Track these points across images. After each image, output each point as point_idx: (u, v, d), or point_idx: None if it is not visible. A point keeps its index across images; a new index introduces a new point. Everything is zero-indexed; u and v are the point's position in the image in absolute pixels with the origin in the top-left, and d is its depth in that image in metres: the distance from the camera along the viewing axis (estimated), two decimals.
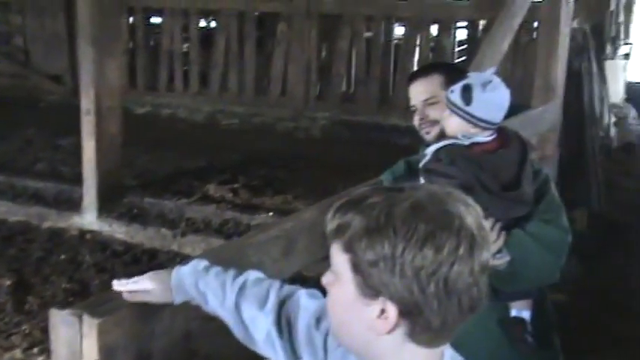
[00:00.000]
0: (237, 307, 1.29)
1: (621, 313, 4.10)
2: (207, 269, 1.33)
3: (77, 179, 5.04)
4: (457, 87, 1.79)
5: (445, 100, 1.83)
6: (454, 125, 1.81)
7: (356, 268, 1.00)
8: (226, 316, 1.31)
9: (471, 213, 1.01)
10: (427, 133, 2.01)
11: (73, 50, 8.16)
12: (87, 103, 4.63)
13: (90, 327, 1.21)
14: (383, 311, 1.00)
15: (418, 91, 2.02)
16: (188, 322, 1.37)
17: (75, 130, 4.99)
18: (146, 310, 1.30)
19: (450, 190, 1.05)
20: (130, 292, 1.32)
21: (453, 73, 2.02)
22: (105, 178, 4.84)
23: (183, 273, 1.32)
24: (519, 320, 1.86)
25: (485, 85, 1.75)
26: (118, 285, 1.34)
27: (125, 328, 1.26)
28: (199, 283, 1.30)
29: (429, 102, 1.99)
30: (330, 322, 1.13)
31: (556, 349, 2.03)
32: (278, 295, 1.30)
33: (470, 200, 1.04)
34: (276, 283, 1.34)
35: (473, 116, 1.76)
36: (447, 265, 0.96)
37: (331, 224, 1.04)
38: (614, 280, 4.59)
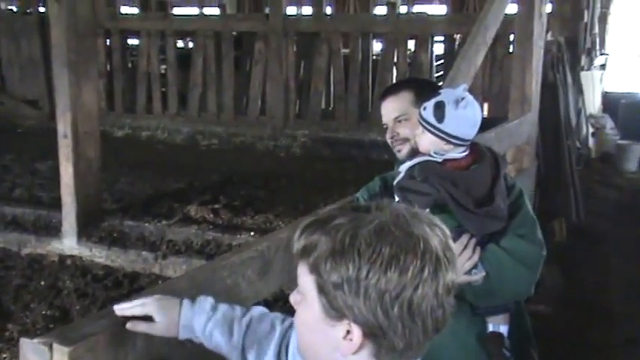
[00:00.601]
0: (243, 348, 1.31)
1: (601, 321, 4.12)
2: (214, 308, 1.33)
3: (56, 204, 4.99)
4: (429, 104, 1.79)
5: (417, 117, 1.83)
6: (427, 142, 1.80)
7: (321, 289, 1.01)
8: (230, 354, 1.32)
9: (437, 234, 1.01)
10: (399, 151, 2.01)
11: (49, 74, 8.10)
12: (64, 127, 4.59)
13: (61, 355, 1.19)
14: (348, 332, 1.00)
15: (389, 109, 2.02)
16: (163, 347, 1.35)
17: (53, 155, 4.95)
18: (119, 336, 1.28)
19: (416, 210, 1.05)
20: (133, 320, 1.30)
21: (423, 89, 2.02)
22: (84, 203, 4.79)
23: (195, 314, 1.31)
24: (497, 335, 1.85)
25: (457, 102, 1.75)
26: (120, 310, 1.31)
27: (97, 355, 1.24)
28: (208, 323, 1.31)
29: (399, 119, 1.99)
30: (297, 340, 1.13)
31: None
32: (281, 327, 1.32)
33: (436, 220, 1.04)
34: (280, 316, 1.36)
35: (445, 133, 1.76)
36: (410, 288, 0.96)
37: (297, 244, 1.04)
38: (593, 289, 4.63)
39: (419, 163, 1.79)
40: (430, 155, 1.79)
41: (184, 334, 1.32)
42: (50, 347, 1.20)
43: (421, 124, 1.80)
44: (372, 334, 0.99)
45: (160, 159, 7.32)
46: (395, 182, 1.82)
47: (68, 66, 4.45)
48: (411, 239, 0.98)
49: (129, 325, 1.30)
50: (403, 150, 1.99)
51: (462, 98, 1.76)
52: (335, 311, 1.00)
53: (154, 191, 5.82)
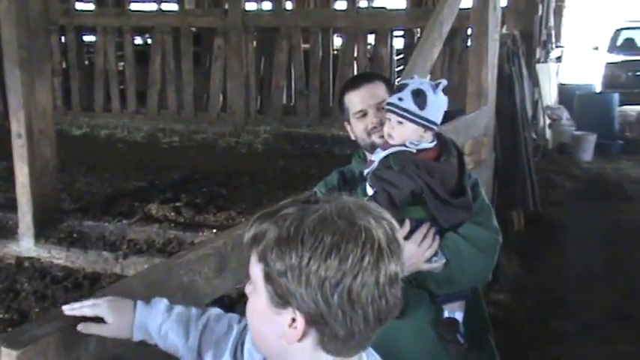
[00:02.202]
0: (199, 349, 1.32)
1: (559, 309, 4.22)
2: (169, 310, 1.33)
3: (12, 205, 4.89)
4: (405, 94, 1.77)
5: (392, 109, 1.80)
6: (408, 132, 1.78)
7: (267, 277, 1.03)
8: (186, 355, 1.33)
9: (383, 226, 1.03)
10: (381, 136, 1.94)
11: (1, 72, 7.92)
12: (17, 127, 4.49)
13: (9, 359, 1.16)
14: (293, 320, 1.03)
15: (367, 96, 1.99)
16: (116, 348, 1.33)
17: (8, 155, 4.85)
18: (71, 338, 1.26)
19: (364, 203, 1.07)
20: (85, 322, 1.28)
21: (387, 79, 2.06)
22: (41, 203, 4.70)
23: (149, 315, 1.31)
24: (452, 321, 1.88)
25: (434, 87, 1.77)
26: (70, 310, 1.29)
27: (48, 358, 1.21)
28: (163, 325, 1.31)
29: (382, 106, 1.95)
30: (250, 330, 1.15)
31: (491, 348, 2.07)
32: (238, 327, 1.33)
33: (384, 213, 1.06)
34: (236, 317, 1.37)
35: (427, 120, 1.77)
36: (350, 277, 0.98)
37: (248, 234, 1.06)
38: (551, 277, 4.73)
39: (393, 153, 1.78)
40: (405, 145, 1.79)
41: (138, 335, 1.31)
42: None
43: (400, 114, 1.78)
44: (314, 321, 1.02)
45: (119, 158, 7.22)
46: (369, 172, 1.81)
47: (20, 64, 4.35)
48: (353, 229, 1.00)
49: (80, 327, 1.28)
50: None
51: (439, 83, 1.78)
52: (280, 299, 1.03)
53: (113, 190, 5.75)
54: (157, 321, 1.30)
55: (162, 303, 1.34)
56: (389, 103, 1.82)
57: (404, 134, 1.79)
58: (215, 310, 1.39)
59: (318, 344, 1.04)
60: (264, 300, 1.05)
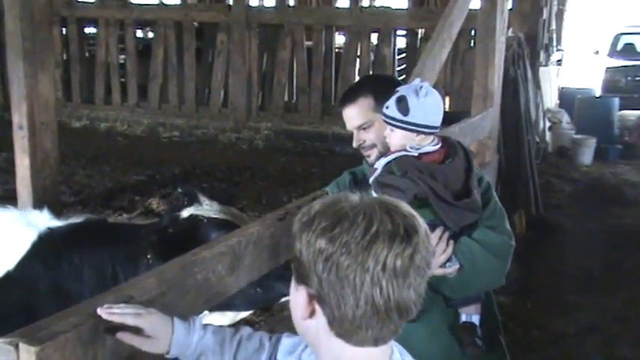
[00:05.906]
0: None
1: (559, 311, 4.22)
2: (204, 328, 1.35)
3: (12, 197, 4.85)
4: (391, 102, 1.80)
5: (382, 117, 1.82)
6: (398, 139, 1.81)
7: (294, 258, 1.13)
8: None
9: (394, 220, 1.05)
10: (368, 156, 2.00)
11: (4, 64, 7.88)
12: (19, 118, 4.44)
13: (28, 355, 1.14)
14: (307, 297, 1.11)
15: (350, 118, 2.00)
16: (132, 347, 1.32)
17: (9, 147, 4.82)
18: (88, 335, 1.25)
19: (389, 199, 1.10)
20: (125, 333, 1.26)
21: (380, 89, 1.98)
22: (41, 196, 4.65)
23: (188, 332, 1.32)
24: (470, 325, 1.88)
25: (417, 91, 1.78)
26: (108, 314, 1.25)
27: (66, 354, 1.19)
28: (201, 342, 1.33)
29: (363, 127, 1.98)
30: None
31: (503, 350, 2.07)
32: (269, 344, 1.38)
33: (410, 214, 1.08)
34: (266, 335, 1.42)
35: (414, 124, 1.78)
36: (338, 254, 1.04)
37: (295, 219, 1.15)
38: (551, 279, 4.74)
39: (395, 159, 1.79)
40: (406, 150, 1.80)
41: (174, 351, 1.31)
42: (16, 347, 1.15)
43: (388, 122, 1.81)
44: (315, 297, 1.09)
45: (119, 151, 7.21)
46: (373, 179, 1.81)
47: (23, 55, 4.30)
48: (354, 213, 1.05)
49: (120, 336, 1.26)
50: (372, 155, 1.99)
51: (421, 87, 1.78)
52: (297, 275, 1.12)
53: (113, 184, 5.74)
54: (194, 339, 1.32)
55: (197, 321, 1.35)
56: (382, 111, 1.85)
57: (395, 140, 1.82)
58: (246, 329, 1.42)
59: (328, 324, 1.09)
60: (293, 279, 1.14)
